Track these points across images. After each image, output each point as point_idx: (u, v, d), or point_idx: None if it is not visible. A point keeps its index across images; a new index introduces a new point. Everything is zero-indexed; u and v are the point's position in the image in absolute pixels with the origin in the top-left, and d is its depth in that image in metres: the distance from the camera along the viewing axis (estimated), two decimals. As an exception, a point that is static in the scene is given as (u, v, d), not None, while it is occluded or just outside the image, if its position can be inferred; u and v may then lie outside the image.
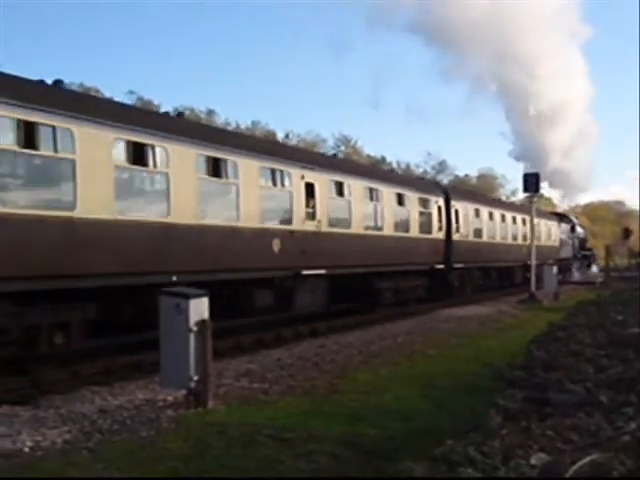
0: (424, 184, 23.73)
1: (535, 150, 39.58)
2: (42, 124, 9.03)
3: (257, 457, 6.02)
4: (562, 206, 51.61)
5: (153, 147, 10.77)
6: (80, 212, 9.43)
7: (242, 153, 12.78)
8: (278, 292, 13.95)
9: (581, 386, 6.17)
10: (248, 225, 12.77)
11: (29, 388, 8.93)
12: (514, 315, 19.54)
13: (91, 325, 9.90)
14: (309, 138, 65.67)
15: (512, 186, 76.38)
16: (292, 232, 14.01)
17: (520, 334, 13.76)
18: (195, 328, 7.68)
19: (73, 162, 9.38)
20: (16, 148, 8.78)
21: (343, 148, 68.66)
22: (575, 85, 42.15)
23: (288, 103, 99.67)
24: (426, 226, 20.60)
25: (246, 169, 12.80)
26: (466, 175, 77.83)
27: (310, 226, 14.66)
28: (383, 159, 69.84)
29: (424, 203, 20.59)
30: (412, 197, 19.70)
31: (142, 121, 11.00)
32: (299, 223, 14.29)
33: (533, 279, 24.60)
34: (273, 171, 13.76)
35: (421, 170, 73.12)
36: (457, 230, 22.62)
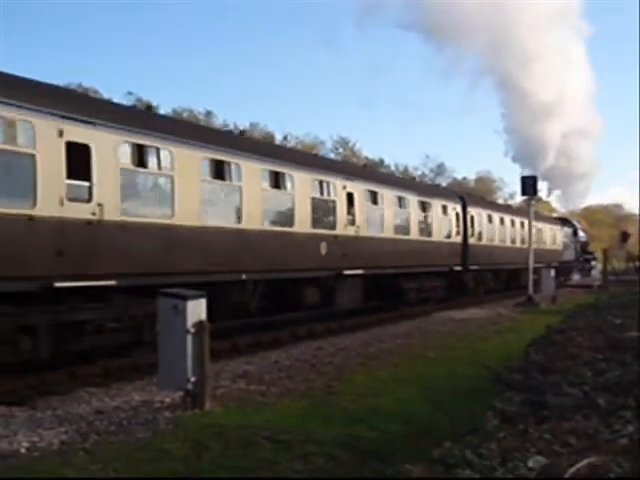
0: (444, 192, 26.16)
1: (533, 147, 39.62)
2: (149, 146, 10.82)
3: (254, 458, 6.01)
4: (561, 210, 51.74)
5: (229, 164, 12.60)
6: (176, 220, 11.19)
7: (298, 167, 14.72)
8: (323, 290, 15.65)
9: (579, 389, 6.16)
10: (301, 230, 14.59)
11: (26, 389, 8.93)
12: (512, 318, 19.53)
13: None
14: (307, 140, 65.59)
15: (510, 189, 76.57)
16: (336, 236, 15.85)
17: (518, 337, 13.76)
18: (193, 329, 7.67)
19: (172, 177, 11.17)
20: (132, 167, 10.52)
21: (341, 150, 68.58)
22: (576, 80, 42.12)
23: (286, 104, 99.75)
24: (446, 231, 22.57)
25: (301, 181, 14.71)
26: (464, 178, 77.95)
27: (350, 231, 16.52)
28: (381, 161, 69.76)
29: (444, 210, 22.51)
30: (434, 204, 21.68)
31: (222, 142, 13.01)
32: (342, 228, 16.18)
33: (531, 282, 24.62)
34: (321, 182, 15.65)
35: (419, 173, 73.15)
36: (472, 234, 24.55)
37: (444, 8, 35.42)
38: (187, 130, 12.76)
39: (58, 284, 9.06)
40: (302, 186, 14.67)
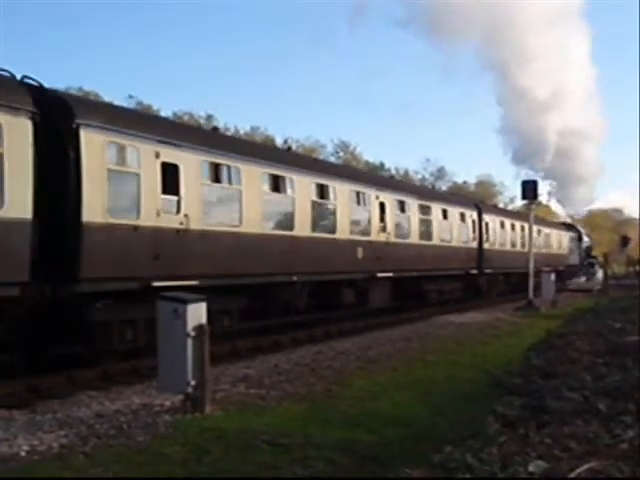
0: (462, 200, 27.59)
1: (533, 146, 39.78)
2: (223, 164, 12.53)
3: (254, 462, 6.01)
4: (562, 214, 51.73)
5: (284, 178, 14.27)
6: (243, 228, 12.77)
7: (339, 180, 16.49)
8: (358, 290, 17.19)
9: (579, 394, 6.17)
10: (342, 237, 16.28)
11: (26, 392, 8.92)
12: (512, 322, 19.52)
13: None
14: (308, 144, 65.48)
15: (510, 193, 76.47)
16: (370, 242, 17.49)
17: (517, 341, 13.77)
18: (193, 333, 7.67)
19: (240, 190, 12.81)
20: (209, 182, 12.22)
21: (342, 154, 68.53)
22: (576, 79, 42.22)
23: (286, 108, 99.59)
24: (464, 236, 24.37)
25: (342, 192, 16.42)
26: (464, 182, 77.81)
27: (382, 237, 18.23)
28: (382, 165, 69.72)
29: (462, 217, 24.31)
30: (454, 212, 23.48)
31: (279, 158, 14.92)
32: (375, 234, 17.87)
33: (531, 286, 24.61)
34: (358, 193, 17.31)
35: (420, 176, 73.14)
36: (487, 240, 26.44)
37: (442, 2, 35.61)
38: (251, 149, 14.86)
39: (155, 283, 10.47)
40: (342, 197, 16.39)
